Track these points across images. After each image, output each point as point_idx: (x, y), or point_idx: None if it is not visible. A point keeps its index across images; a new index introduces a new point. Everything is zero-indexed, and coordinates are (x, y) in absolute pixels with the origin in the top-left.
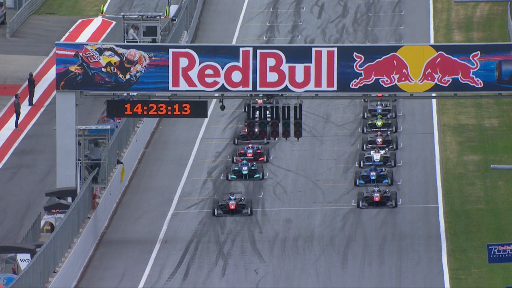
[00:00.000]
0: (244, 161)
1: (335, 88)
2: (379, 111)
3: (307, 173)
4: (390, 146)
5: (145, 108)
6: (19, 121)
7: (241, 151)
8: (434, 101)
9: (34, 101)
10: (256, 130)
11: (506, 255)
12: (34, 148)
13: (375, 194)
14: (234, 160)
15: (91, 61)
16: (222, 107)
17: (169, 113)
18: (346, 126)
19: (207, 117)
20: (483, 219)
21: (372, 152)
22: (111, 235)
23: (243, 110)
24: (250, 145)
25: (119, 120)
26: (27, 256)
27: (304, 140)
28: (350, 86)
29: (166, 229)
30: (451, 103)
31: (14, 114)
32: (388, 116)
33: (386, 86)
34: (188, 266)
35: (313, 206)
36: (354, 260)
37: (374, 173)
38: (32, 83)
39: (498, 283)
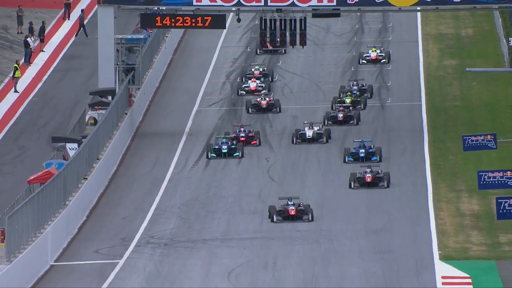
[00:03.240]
0: (224, 140)
1: (334, 3)
2: (355, 92)
3: (311, 76)
4: (351, 122)
5: (173, 20)
6: (79, 31)
7: (233, 135)
8: (418, 13)
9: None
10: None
11: (478, 144)
12: (80, 54)
13: (367, 175)
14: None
15: None
16: (238, 20)
17: (193, 24)
18: (344, 35)
19: (225, 28)
20: (459, 114)
21: (306, 128)
22: (145, 129)
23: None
24: (242, 129)
25: (151, 31)
26: (74, 145)
27: (308, 48)
28: (348, 1)
29: (191, 123)
30: (433, 15)
31: (78, 25)
32: (364, 95)
33: (378, 1)
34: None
35: (315, 104)
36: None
37: (363, 151)
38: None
39: (470, 168)
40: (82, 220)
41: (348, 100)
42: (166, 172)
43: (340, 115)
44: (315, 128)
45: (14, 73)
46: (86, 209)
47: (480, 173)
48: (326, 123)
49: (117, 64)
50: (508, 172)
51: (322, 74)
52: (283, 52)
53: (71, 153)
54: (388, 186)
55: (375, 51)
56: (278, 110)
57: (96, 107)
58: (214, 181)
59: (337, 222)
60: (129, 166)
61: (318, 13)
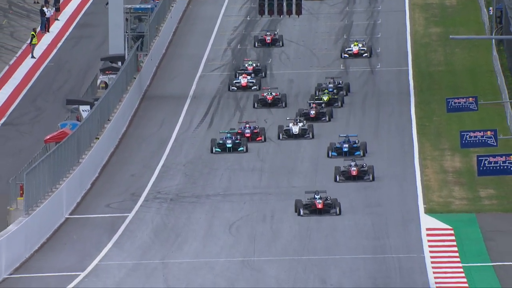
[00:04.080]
0: (229, 135)
1: None
2: (331, 89)
3: (306, 43)
4: (323, 118)
5: None
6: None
7: (239, 131)
8: None
9: None
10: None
11: (460, 106)
12: (92, 22)
13: (352, 169)
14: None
15: None
16: None
17: None
18: (337, 5)
19: None
20: (443, 78)
21: (290, 124)
22: (152, 92)
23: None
24: (247, 125)
25: (158, 0)
26: (87, 107)
27: (303, 17)
28: None
29: (195, 87)
30: None
31: None
32: (340, 93)
33: None
34: (212, 116)
35: (310, 69)
36: (342, 111)
37: (347, 145)
38: None
39: (454, 128)
40: (94, 177)
41: (325, 98)
42: (172, 132)
43: (312, 112)
44: (300, 124)
45: (31, 40)
46: (98, 167)
47: (462, 133)
48: (298, 119)
49: (126, 32)
50: (488, 132)
51: (316, 41)
52: (281, 45)
53: (84, 115)
54: (373, 180)
55: (357, 45)
56: (283, 105)
57: (107, 72)
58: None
59: (330, 179)
60: (138, 127)
61: None
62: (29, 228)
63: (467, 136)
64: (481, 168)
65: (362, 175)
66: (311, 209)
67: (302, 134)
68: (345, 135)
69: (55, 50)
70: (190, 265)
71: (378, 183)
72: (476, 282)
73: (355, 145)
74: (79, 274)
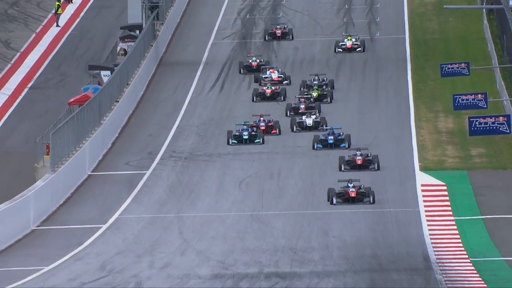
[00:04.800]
0: (245, 126)
1: None
2: (316, 84)
3: (310, 13)
4: (312, 113)
5: None
6: None
7: (253, 124)
8: None
9: None
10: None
11: (453, 71)
12: None
13: (358, 158)
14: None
15: None
16: None
17: None
18: None
19: None
20: (437, 45)
21: (304, 117)
22: (168, 58)
23: None
24: (262, 118)
25: None
26: (108, 73)
27: None
28: None
29: (207, 54)
30: None
31: None
32: (325, 88)
33: None
34: (223, 81)
35: (314, 38)
36: (344, 76)
37: (331, 137)
38: None
39: (447, 92)
40: (114, 137)
41: (315, 94)
42: (186, 95)
43: (302, 106)
44: (313, 116)
45: (56, 10)
46: (118, 127)
47: (455, 96)
48: (288, 114)
49: (143, 2)
50: (479, 95)
51: (320, 11)
52: (291, 38)
53: (105, 79)
54: (378, 169)
55: (351, 39)
56: (282, 99)
57: (126, 39)
58: (227, 104)
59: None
60: (155, 91)
61: None
62: (54, 184)
63: (460, 99)
64: (472, 129)
65: (367, 164)
66: (344, 198)
67: (315, 126)
68: (329, 127)
69: (78, 20)
70: (203, 218)
71: (377, 142)
72: (467, 234)
73: (340, 137)
74: (101, 226)
